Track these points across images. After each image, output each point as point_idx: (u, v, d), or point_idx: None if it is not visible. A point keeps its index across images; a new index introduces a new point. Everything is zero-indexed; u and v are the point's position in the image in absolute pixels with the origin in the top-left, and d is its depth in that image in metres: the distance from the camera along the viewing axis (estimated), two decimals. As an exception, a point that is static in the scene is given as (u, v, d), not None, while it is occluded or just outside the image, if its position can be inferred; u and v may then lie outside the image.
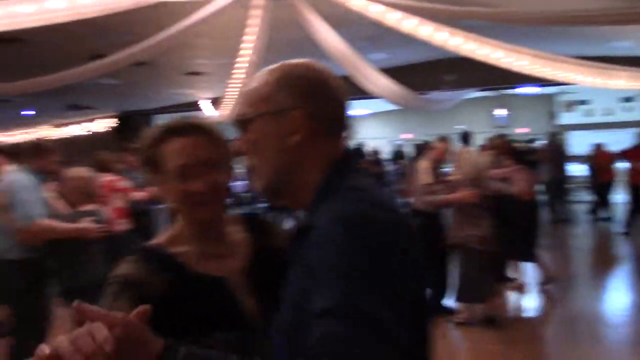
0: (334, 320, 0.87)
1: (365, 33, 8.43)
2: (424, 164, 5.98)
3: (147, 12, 5.92)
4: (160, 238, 1.41)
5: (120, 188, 6.49)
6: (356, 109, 17.39)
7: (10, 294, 3.84)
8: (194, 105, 13.82)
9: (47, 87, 7.50)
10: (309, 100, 1.12)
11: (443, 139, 6.28)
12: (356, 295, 0.89)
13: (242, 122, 1.17)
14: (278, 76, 1.16)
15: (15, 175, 3.99)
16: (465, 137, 8.45)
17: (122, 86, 11.76)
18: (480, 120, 17.96)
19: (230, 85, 8.17)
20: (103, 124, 16.33)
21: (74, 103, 12.17)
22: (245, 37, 6.66)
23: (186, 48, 8.67)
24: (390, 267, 0.95)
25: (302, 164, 1.13)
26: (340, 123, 1.18)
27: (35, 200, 3.90)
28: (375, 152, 14.35)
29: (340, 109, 1.18)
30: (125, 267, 1.31)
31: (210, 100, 13.03)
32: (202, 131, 1.37)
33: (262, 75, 1.18)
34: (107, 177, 6.36)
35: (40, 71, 7.17)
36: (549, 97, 18.15)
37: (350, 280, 0.91)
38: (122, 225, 6.36)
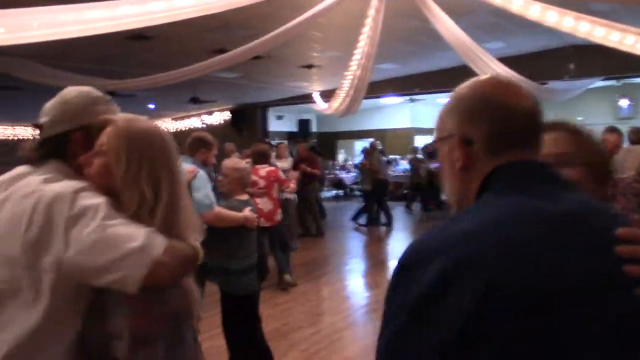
0: None
1: (482, 22, 8.19)
2: None
3: (267, 7, 6.04)
4: None
5: (280, 179, 6.46)
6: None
7: None
8: (307, 98, 14.04)
9: (172, 82, 7.85)
10: (468, 124, 1.08)
11: (614, 130, 5.67)
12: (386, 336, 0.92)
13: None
14: (451, 99, 1.15)
15: (189, 165, 4.22)
16: None
17: (239, 79, 12.12)
18: (601, 111, 16.87)
19: (345, 77, 8.20)
20: (219, 117, 16.95)
21: (195, 96, 12.71)
22: (362, 29, 6.66)
23: (301, 41, 8.80)
24: (431, 308, 0.86)
25: (468, 190, 1.08)
26: (507, 140, 1.06)
27: (209, 190, 4.14)
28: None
29: (508, 125, 1.06)
30: None
31: (319, 93, 13.16)
32: (564, 129, 1.41)
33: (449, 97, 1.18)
34: (267, 168, 6.37)
35: (166, 66, 7.51)
36: (682, 86, 16.73)
37: (386, 317, 0.94)
38: (278, 216, 6.38)
